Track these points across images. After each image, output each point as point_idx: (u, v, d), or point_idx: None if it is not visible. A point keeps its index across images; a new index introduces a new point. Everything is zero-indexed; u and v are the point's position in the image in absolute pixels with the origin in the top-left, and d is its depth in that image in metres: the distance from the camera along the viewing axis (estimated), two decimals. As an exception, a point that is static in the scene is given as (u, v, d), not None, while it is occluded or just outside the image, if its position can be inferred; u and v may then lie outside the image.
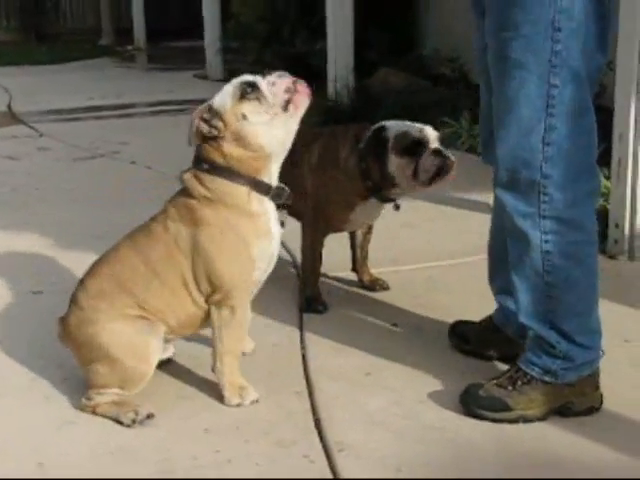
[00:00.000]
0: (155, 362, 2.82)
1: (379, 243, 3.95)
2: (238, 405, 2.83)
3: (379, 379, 3.04)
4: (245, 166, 2.75)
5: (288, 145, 2.81)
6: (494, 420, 2.72)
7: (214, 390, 2.91)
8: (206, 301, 2.81)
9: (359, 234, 3.83)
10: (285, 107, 2.72)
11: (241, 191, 2.75)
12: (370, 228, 3.83)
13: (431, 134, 3.41)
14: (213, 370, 2.87)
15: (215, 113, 2.72)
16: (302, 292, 3.69)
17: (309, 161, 3.58)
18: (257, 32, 10.34)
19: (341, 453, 2.58)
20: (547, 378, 2.72)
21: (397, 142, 3.37)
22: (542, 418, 2.73)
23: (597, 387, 2.78)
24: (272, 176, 2.81)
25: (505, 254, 2.81)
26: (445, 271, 4.09)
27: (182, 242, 2.77)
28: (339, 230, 3.70)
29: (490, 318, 3.21)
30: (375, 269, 3.93)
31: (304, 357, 3.22)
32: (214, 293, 2.78)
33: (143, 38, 16.46)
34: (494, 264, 3.12)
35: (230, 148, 2.73)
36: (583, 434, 2.67)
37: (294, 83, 2.74)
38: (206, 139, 2.74)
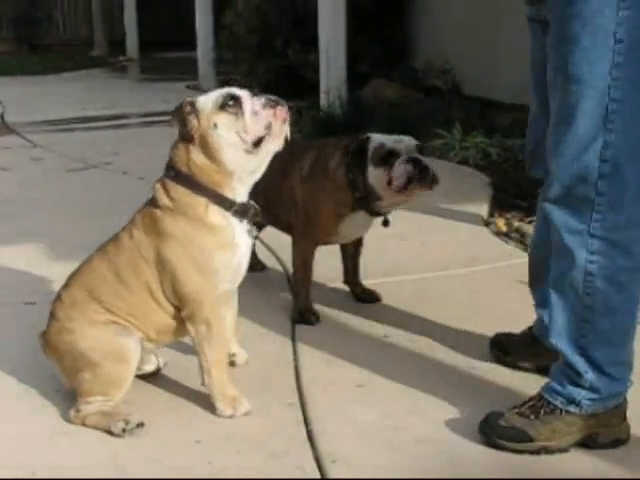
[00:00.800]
0: (134, 364, 2.83)
1: (371, 254, 3.96)
2: (230, 416, 2.82)
3: (371, 391, 3.04)
4: (207, 177, 2.76)
5: (255, 174, 2.81)
6: (514, 451, 2.61)
7: (205, 401, 2.91)
8: (179, 313, 2.82)
9: (350, 247, 3.83)
10: (257, 144, 2.72)
11: (200, 202, 2.76)
12: (360, 241, 3.83)
13: (408, 144, 3.44)
14: (203, 384, 2.87)
15: (195, 110, 2.74)
16: (294, 303, 3.70)
17: (300, 172, 3.59)
18: (250, 43, 10.36)
19: (333, 464, 2.58)
20: (571, 409, 2.61)
21: (374, 153, 3.42)
22: (565, 450, 2.62)
23: (624, 419, 2.67)
24: (237, 192, 2.80)
25: (546, 267, 2.74)
26: (437, 283, 4.10)
27: (145, 251, 2.79)
28: (329, 242, 3.70)
29: (529, 329, 3.17)
30: (367, 280, 3.94)
31: (296, 368, 3.22)
32: (183, 307, 2.79)
33: (136, 49, 16.51)
34: (535, 276, 3.05)
35: (195, 154, 2.75)
36: (597, 463, 2.58)
37: (275, 116, 2.71)
38: (181, 137, 2.78)
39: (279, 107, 2.73)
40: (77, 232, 4.97)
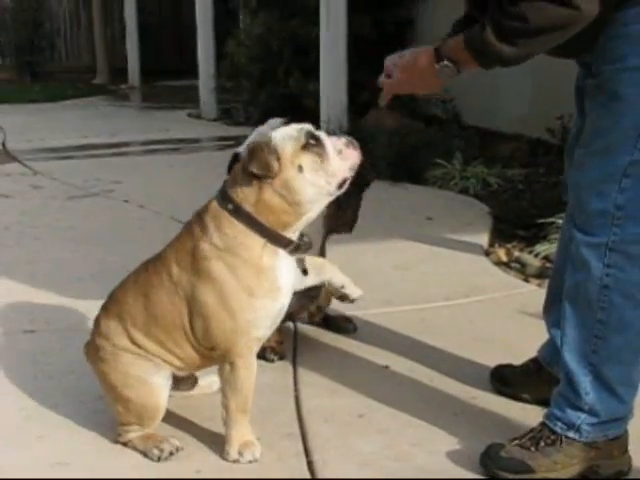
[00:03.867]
0: (164, 398, 2.80)
1: (371, 285, 3.95)
2: (234, 462, 2.74)
3: (372, 421, 3.03)
4: (272, 217, 2.60)
5: (318, 214, 2.71)
6: None
7: (206, 431, 2.91)
8: (210, 352, 2.73)
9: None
10: (341, 185, 2.62)
11: (257, 243, 2.61)
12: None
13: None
14: (223, 420, 2.79)
15: (274, 151, 2.56)
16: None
17: None
18: (251, 72, 10.40)
19: (334, 496, 2.57)
20: (571, 434, 2.59)
21: None
22: None
23: (625, 450, 2.65)
24: (294, 233, 2.67)
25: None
26: (437, 313, 4.10)
27: (182, 290, 2.68)
28: None
29: (531, 361, 3.17)
30: (367, 310, 3.93)
31: (297, 398, 3.22)
32: (214, 350, 2.70)
33: (137, 77, 16.57)
34: (552, 296, 3.03)
35: (270, 194, 2.57)
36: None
37: (356, 157, 2.62)
38: (251, 176, 2.58)
39: (355, 145, 2.63)
40: (78, 260, 4.98)
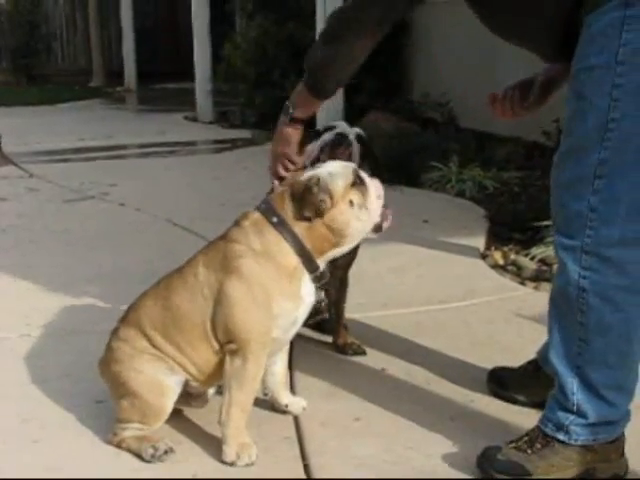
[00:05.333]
0: (172, 399, 2.81)
1: (368, 287, 3.96)
2: (232, 464, 2.74)
3: (368, 425, 3.03)
4: (312, 242, 2.71)
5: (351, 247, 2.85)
6: None
7: (203, 434, 2.91)
8: (222, 348, 2.75)
9: (332, 291, 3.62)
10: (378, 228, 2.81)
11: (293, 258, 2.71)
12: (344, 282, 3.69)
13: None
14: (219, 422, 2.78)
15: (326, 190, 2.67)
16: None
17: None
18: (247, 75, 10.42)
19: (330, 499, 2.57)
20: (560, 436, 2.59)
21: None
22: None
23: (622, 454, 2.64)
24: (323, 261, 2.78)
25: None
26: (434, 316, 4.09)
27: (208, 290, 2.72)
28: None
29: (528, 363, 3.18)
30: (364, 313, 3.93)
31: (293, 402, 3.21)
32: (229, 342, 2.71)
33: (134, 80, 16.61)
34: None
35: (320, 225, 2.69)
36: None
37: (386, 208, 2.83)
38: (312, 210, 2.68)
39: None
40: (73, 263, 4.97)
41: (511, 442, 2.68)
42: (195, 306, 2.74)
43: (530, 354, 3.17)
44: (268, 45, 10.06)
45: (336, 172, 2.72)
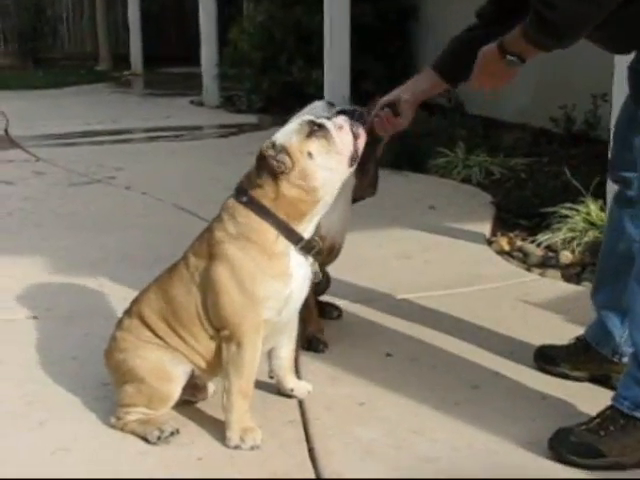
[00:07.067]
0: (178, 385, 2.82)
1: (374, 273, 3.96)
2: (236, 447, 2.74)
3: (373, 409, 3.04)
4: (288, 209, 2.67)
5: (334, 198, 2.76)
6: (586, 467, 2.58)
7: (209, 418, 2.92)
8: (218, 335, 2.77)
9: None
10: (352, 162, 2.70)
11: (269, 232, 2.67)
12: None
13: None
14: (223, 408, 2.80)
15: (280, 149, 2.63)
16: (302, 330, 3.48)
17: None
18: (254, 59, 10.39)
19: (335, 483, 2.58)
20: (638, 414, 2.58)
21: None
22: (638, 465, 2.57)
23: None
24: (307, 228, 2.72)
25: (617, 268, 2.77)
26: (439, 301, 4.09)
27: (198, 277, 2.75)
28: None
29: (577, 339, 3.18)
30: (369, 299, 3.93)
31: (298, 386, 3.22)
32: (223, 329, 2.73)
33: (140, 64, 16.58)
34: (603, 277, 3.07)
35: (287, 187, 2.64)
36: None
37: (356, 129, 2.70)
38: (266, 174, 2.65)
39: (356, 114, 2.76)
40: (80, 247, 4.98)
41: (582, 424, 2.67)
42: (190, 297, 2.77)
43: (536, 340, 3.19)
44: (275, 30, 10.03)
45: (288, 130, 2.69)
